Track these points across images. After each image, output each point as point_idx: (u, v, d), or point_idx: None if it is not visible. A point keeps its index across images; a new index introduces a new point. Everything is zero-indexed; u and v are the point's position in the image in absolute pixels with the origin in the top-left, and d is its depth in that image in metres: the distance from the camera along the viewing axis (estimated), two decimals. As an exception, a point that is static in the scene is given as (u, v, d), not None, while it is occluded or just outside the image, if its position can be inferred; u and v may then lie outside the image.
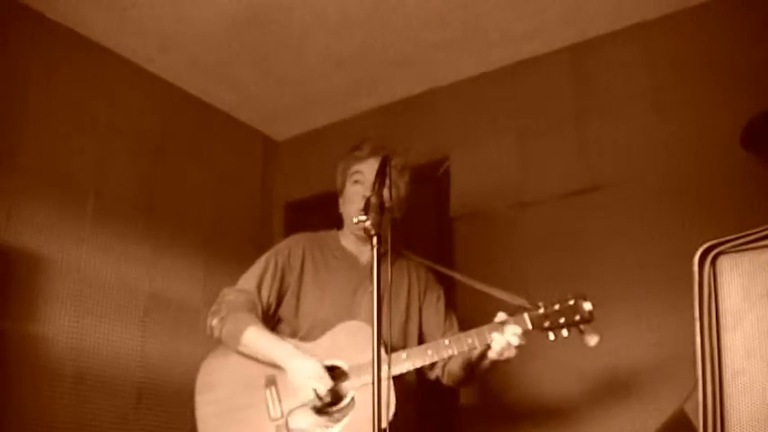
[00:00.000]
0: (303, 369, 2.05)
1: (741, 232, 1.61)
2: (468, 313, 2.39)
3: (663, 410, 2.31)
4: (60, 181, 2.95)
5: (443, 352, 2.06)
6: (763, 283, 1.57)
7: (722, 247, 1.62)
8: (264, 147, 4.07)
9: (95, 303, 2.95)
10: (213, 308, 2.27)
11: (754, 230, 1.60)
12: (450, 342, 2.06)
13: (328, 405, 2.05)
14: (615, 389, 2.69)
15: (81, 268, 2.93)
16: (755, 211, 2.42)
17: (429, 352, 2.07)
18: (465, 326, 2.20)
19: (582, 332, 1.99)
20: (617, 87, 3.04)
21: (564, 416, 2.77)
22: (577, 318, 1.97)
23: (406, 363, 2.05)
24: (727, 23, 2.81)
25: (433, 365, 2.28)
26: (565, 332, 1.99)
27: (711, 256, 1.62)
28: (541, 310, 2.01)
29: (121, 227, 3.13)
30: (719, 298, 1.61)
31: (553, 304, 2.00)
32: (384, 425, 1.88)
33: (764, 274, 1.57)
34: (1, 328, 2.61)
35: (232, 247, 3.67)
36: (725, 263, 1.62)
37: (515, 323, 2.00)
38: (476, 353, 2.10)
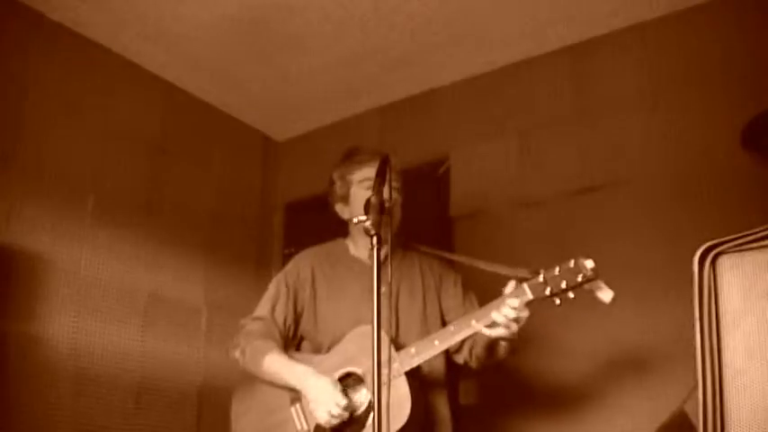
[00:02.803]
0: (315, 389, 2.08)
1: (741, 232, 1.60)
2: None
3: (662, 409, 2.31)
4: (60, 181, 2.95)
5: (450, 339, 2.06)
6: (764, 283, 1.56)
7: (722, 247, 1.62)
8: (264, 147, 4.07)
9: (95, 303, 2.95)
10: (234, 341, 2.31)
11: (754, 230, 1.60)
12: (454, 328, 2.06)
13: (348, 407, 2.07)
14: (615, 388, 2.69)
15: (81, 268, 2.93)
16: (755, 211, 2.41)
17: (436, 342, 2.06)
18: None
19: (591, 291, 1.93)
20: (617, 87, 3.04)
21: (564, 414, 2.77)
22: (580, 278, 1.91)
23: (415, 358, 2.05)
24: (727, 24, 2.81)
25: (459, 350, 2.27)
26: (571, 295, 1.93)
27: (711, 256, 1.62)
28: (541, 278, 1.96)
29: (121, 227, 3.13)
30: (719, 298, 1.61)
31: (553, 269, 1.96)
32: (397, 428, 1.89)
33: (765, 275, 1.57)
34: (1, 328, 2.61)
35: (232, 247, 3.67)
36: (725, 263, 1.62)
37: (515, 295, 1.97)
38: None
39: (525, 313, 1.98)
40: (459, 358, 2.31)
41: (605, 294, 1.93)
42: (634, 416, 2.60)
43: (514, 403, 2.92)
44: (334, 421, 2.04)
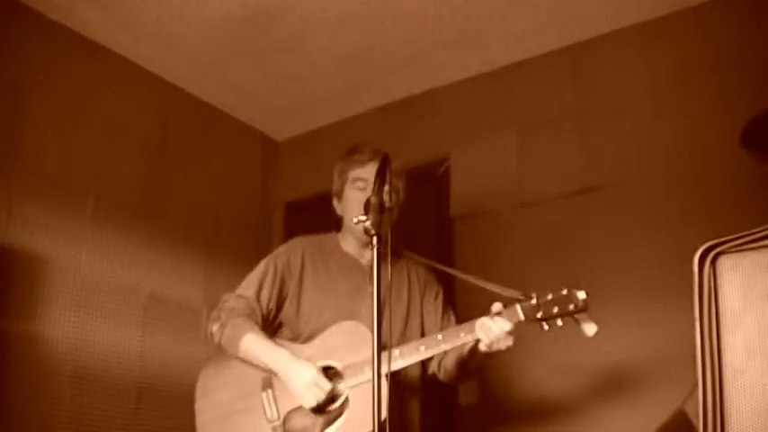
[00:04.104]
0: (299, 374, 2.05)
1: (741, 232, 1.60)
2: (467, 310, 2.39)
3: (662, 409, 2.31)
4: (60, 181, 2.95)
5: (436, 347, 2.06)
6: (764, 283, 1.56)
7: (722, 247, 1.62)
8: (264, 147, 4.07)
9: (95, 303, 2.95)
10: (213, 314, 2.27)
11: (755, 230, 1.59)
12: (442, 337, 2.06)
13: (324, 406, 2.06)
14: (615, 388, 2.69)
15: (81, 268, 2.94)
16: (755, 211, 2.41)
17: (422, 348, 2.06)
18: (463, 322, 2.18)
19: (577, 322, 1.97)
20: (617, 87, 3.05)
21: (564, 415, 2.77)
22: (571, 307, 1.96)
23: (399, 360, 2.05)
24: (727, 24, 2.81)
25: (429, 361, 2.27)
26: (559, 322, 1.97)
27: (711, 256, 1.62)
28: (534, 301, 1.99)
29: (121, 227, 3.13)
30: (719, 298, 1.61)
31: (546, 295, 1.99)
32: (372, 428, 1.89)
33: (765, 275, 1.57)
34: (1, 328, 2.61)
35: (232, 246, 3.67)
36: (725, 263, 1.62)
37: (507, 315, 2.00)
38: (467, 348, 2.09)
39: (509, 335, 1.99)
40: (429, 369, 2.32)
41: (590, 328, 1.97)
42: (633, 416, 2.60)
43: (514, 403, 2.92)
44: (320, 405, 2.02)
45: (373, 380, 1.61)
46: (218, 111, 3.79)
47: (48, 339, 2.75)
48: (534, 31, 3.12)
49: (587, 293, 1.96)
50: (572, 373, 2.80)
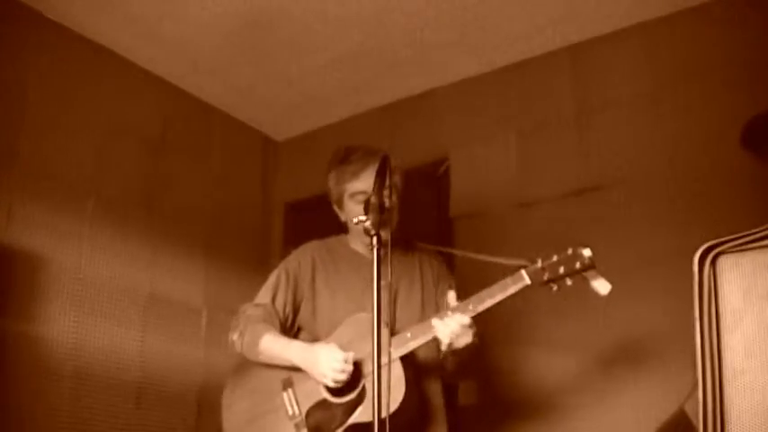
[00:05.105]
0: (317, 355, 2.08)
1: (741, 232, 1.61)
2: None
3: (661, 403, 2.31)
4: (60, 181, 2.95)
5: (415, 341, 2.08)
6: (763, 283, 1.57)
7: (722, 247, 1.62)
8: (264, 147, 4.07)
9: (95, 303, 2.95)
10: (233, 323, 2.32)
11: (755, 230, 1.60)
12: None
13: (341, 391, 2.07)
14: (615, 389, 2.69)
15: (81, 268, 2.93)
16: (755, 211, 2.41)
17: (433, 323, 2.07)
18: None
19: (587, 280, 1.94)
20: (617, 87, 3.04)
21: (564, 415, 2.77)
22: (578, 265, 1.93)
23: (410, 342, 2.06)
24: (727, 24, 2.81)
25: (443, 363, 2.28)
26: (568, 281, 1.94)
27: (711, 256, 1.62)
28: (539, 264, 1.98)
29: (121, 226, 3.13)
30: (719, 298, 1.61)
31: (551, 257, 1.97)
32: (391, 411, 1.89)
33: (765, 275, 1.57)
34: (1, 328, 2.61)
35: (232, 246, 3.67)
36: (725, 263, 1.62)
37: (513, 282, 1.99)
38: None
39: (471, 329, 2.00)
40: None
41: (602, 285, 1.93)
42: (634, 411, 2.60)
43: (514, 403, 2.92)
44: (342, 377, 2.02)
45: (373, 379, 1.62)
46: (218, 111, 3.79)
47: (48, 339, 2.75)
48: (534, 31, 3.12)
49: (593, 251, 1.92)
50: (572, 371, 2.80)
